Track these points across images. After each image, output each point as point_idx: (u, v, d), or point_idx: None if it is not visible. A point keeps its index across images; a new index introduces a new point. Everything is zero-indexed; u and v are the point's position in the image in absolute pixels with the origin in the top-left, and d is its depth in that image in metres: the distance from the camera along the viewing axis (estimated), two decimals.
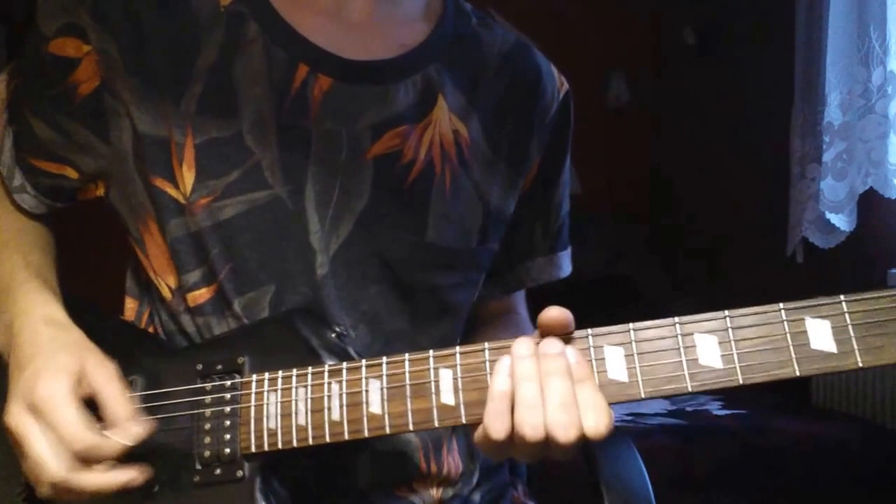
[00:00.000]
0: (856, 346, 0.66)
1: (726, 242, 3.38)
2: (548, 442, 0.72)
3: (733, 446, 2.23)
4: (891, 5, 2.28)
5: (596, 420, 0.71)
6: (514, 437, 0.73)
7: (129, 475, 0.81)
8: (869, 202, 2.46)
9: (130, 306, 1.04)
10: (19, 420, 0.80)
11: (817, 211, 2.55)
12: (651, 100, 3.88)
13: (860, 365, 0.66)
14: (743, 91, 3.26)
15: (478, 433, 0.76)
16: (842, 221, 2.48)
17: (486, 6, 1.07)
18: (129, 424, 0.81)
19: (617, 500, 1.07)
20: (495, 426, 0.73)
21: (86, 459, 0.79)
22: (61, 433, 0.79)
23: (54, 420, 0.79)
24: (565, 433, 0.70)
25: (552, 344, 0.73)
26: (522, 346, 0.74)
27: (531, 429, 0.71)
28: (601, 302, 3.04)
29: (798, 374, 0.67)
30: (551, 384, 0.72)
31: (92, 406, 0.83)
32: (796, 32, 2.73)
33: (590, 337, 0.74)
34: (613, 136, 3.70)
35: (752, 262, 3.13)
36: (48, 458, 0.79)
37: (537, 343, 0.75)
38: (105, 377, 0.83)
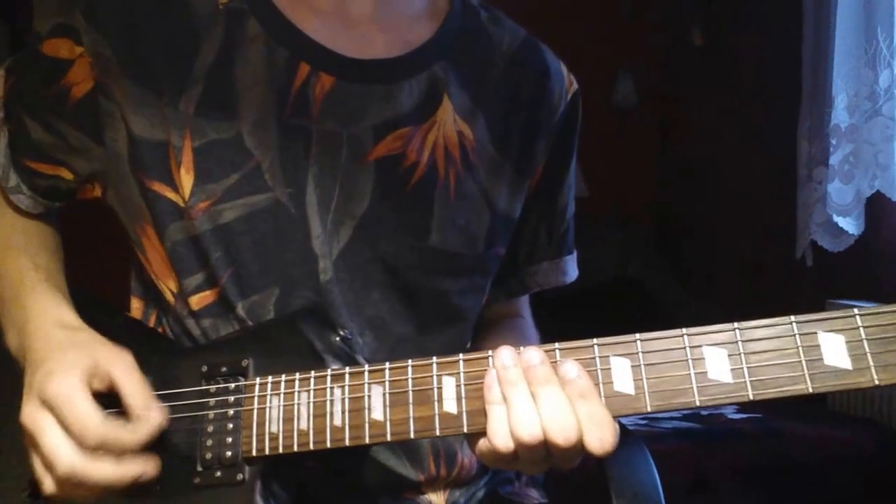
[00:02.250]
0: (871, 363, 0.64)
1: (736, 245, 3.36)
2: (548, 447, 0.71)
3: (748, 450, 2.23)
4: None
5: (601, 436, 0.70)
6: (516, 445, 0.72)
7: (139, 468, 0.80)
8: (877, 205, 2.45)
9: (136, 306, 1.03)
10: (33, 416, 0.80)
11: (825, 214, 2.54)
12: (659, 101, 3.86)
13: (876, 382, 0.64)
14: (750, 93, 3.25)
15: (480, 445, 0.75)
16: (849, 225, 2.47)
17: (492, 6, 1.06)
18: (149, 411, 0.81)
19: (628, 503, 1.06)
20: (500, 434, 0.72)
21: (102, 451, 0.78)
22: (75, 426, 0.78)
23: (67, 414, 0.78)
24: (565, 437, 0.70)
25: (533, 354, 0.73)
26: (505, 357, 0.73)
27: (527, 433, 0.70)
28: (611, 306, 3.04)
29: (811, 390, 0.65)
30: (541, 393, 0.71)
31: (112, 400, 0.82)
32: (804, 34, 2.72)
33: (595, 347, 0.72)
34: (621, 138, 3.69)
35: (762, 265, 3.12)
36: (60, 449, 0.78)
37: (519, 353, 0.74)
38: (120, 367, 0.82)
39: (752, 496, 2.15)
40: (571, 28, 3.44)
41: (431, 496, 1.00)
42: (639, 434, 1.16)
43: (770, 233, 3.05)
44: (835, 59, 2.47)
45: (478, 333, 1.08)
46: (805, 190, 2.68)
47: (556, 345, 0.74)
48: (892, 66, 2.29)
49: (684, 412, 2.44)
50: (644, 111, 3.85)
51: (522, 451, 0.72)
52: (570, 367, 0.71)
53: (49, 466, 0.79)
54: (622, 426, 1.13)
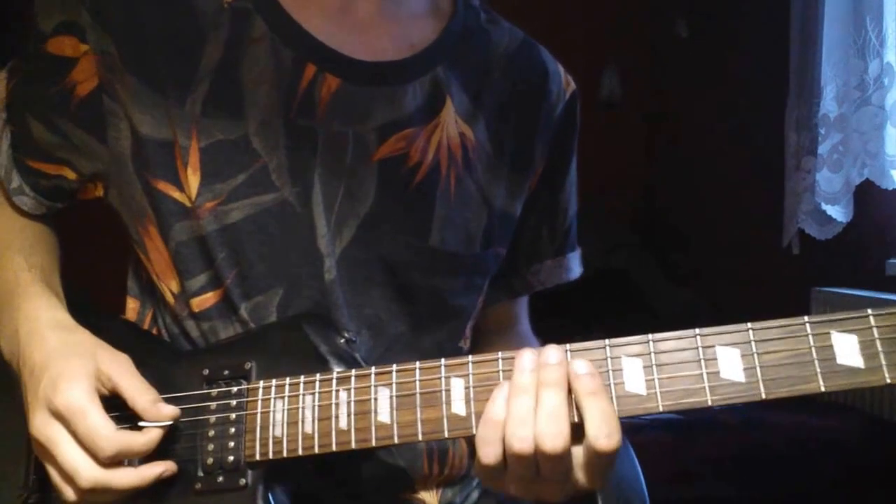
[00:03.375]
0: (884, 362, 0.64)
1: (722, 235, 3.37)
2: (537, 459, 0.71)
3: (729, 440, 2.22)
4: None
5: (608, 432, 0.70)
6: (505, 457, 0.72)
7: (161, 467, 0.81)
8: (865, 193, 2.46)
9: (132, 307, 1.03)
10: (47, 429, 0.80)
11: (813, 203, 2.55)
12: (645, 94, 3.87)
13: (888, 381, 0.64)
14: (737, 84, 3.25)
15: (476, 460, 0.75)
16: (838, 213, 2.48)
17: (488, 6, 1.06)
18: (157, 408, 0.81)
19: (610, 495, 1.06)
20: (485, 451, 0.73)
21: (118, 460, 0.79)
22: (90, 440, 0.78)
23: (81, 427, 0.78)
24: (552, 443, 0.70)
25: (553, 353, 0.73)
26: (527, 359, 0.74)
27: (519, 441, 0.71)
28: (597, 298, 3.04)
29: (823, 389, 0.65)
30: (544, 394, 0.71)
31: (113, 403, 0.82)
32: (791, 24, 2.72)
33: (607, 348, 0.72)
34: (607, 132, 3.69)
35: (748, 254, 3.12)
36: (81, 464, 0.78)
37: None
38: (119, 370, 0.82)
39: (735, 486, 2.14)
40: (556, 23, 3.43)
41: (424, 495, 1.00)
42: None
43: (756, 223, 3.05)
44: (823, 49, 2.48)
45: (478, 341, 1.09)
46: (793, 179, 2.69)
47: (567, 346, 0.74)
48: (882, 56, 2.30)
49: None
50: (630, 104, 3.85)
51: (512, 462, 0.72)
52: (581, 364, 0.72)
53: (70, 480, 0.79)
54: None
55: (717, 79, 3.39)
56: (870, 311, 0.66)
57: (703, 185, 3.51)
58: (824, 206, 2.52)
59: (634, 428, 2.16)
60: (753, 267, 3.06)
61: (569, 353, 0.74)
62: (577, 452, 0.72)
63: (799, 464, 2.18)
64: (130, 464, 0.81)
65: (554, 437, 0.70)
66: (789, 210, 2.71)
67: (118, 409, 0.82)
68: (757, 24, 3.13)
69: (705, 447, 2.19)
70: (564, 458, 0.71)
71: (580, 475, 0.73)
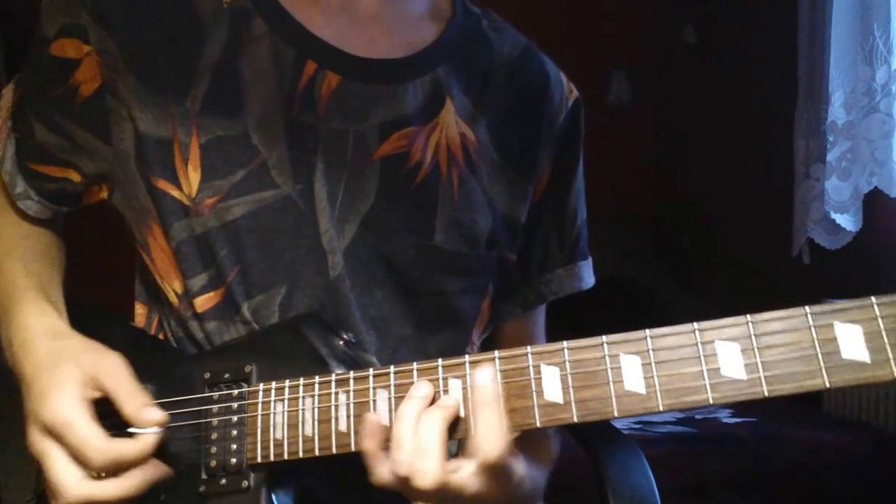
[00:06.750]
0: (891, 355, 0.62)
1: (731, 244, 3.36)
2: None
3: (743, 455, 2.21)
4: (895, 3, 2.27)
5: (491, 447, 0.72)
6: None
7: (149, 475, 0.80)
8: (875, 202, 2.44)
9: (140, 312, 1.03)
10: (39, 444, 0.80)
11: (822, 211, 2.54)
12: (653, 99, 3.86)
13: None
14: (747, 89, 3.25)
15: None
16: (847, 222, 2.46)
17: (486, 6, 1.06)
18: (143, 414, 0.80)
19: None
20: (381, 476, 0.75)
21: (114, 469, 0.78)
22: (80, 452, 0.78)
23: (70, 440, 0.78)
24: (421, 480, 0.72)
25: (420, 387, 0.75)
26: (421, 388, 0.76)
27: (396, 480, 0.74)
28: (607, 306, 3.03)
29: (828, 385, 0.63)
30: (419, 428, 0.73)
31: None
32: (799, 30, 2.72)
33: (605, 345, 0.71)
34: (615, 137, 3.68)
35: (759, 264, 3.11)
36: (67, 477, 0.78)
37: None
38: (107, 371, 0.82)
39: (747, 500, 2.13)
40: (564, 27, 3.44)
41: None
42: (633, 438, 1.16)
43: (767, 231, 3.04)
44: (831, 56, 2.47)
45: None
46: (802, 187, 2.68)
47: (565, 343, 0.73)
48: (889, 62, 2.29)
49: (678, 416, 2.44)
50: (638, 110, 3.85)
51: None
52: (482, 374, 0.73)
53: (57, 495, 0.79)
54: (617, 431, 1.14)
55: (725, 84, 3.39)
56: (873, 299, 0.63)
57: (713, 193, 3.50)
58: (833, 215, 2.51)
59: (648, 441, 2.18)
60: (766, 277, 3.04)
61: (566, 350, 0.72)
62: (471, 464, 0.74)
63: (812, 479, 2.16)
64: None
65: (423, 475, 0.72)
66: (798, 219, 2.70)
67: (114, 413, 0.81)
68: (765, 29, 3.13)
69: (718, 461, 2.18)
70: (442, 490, 0.72)
71: (478, 484, 0.74)
